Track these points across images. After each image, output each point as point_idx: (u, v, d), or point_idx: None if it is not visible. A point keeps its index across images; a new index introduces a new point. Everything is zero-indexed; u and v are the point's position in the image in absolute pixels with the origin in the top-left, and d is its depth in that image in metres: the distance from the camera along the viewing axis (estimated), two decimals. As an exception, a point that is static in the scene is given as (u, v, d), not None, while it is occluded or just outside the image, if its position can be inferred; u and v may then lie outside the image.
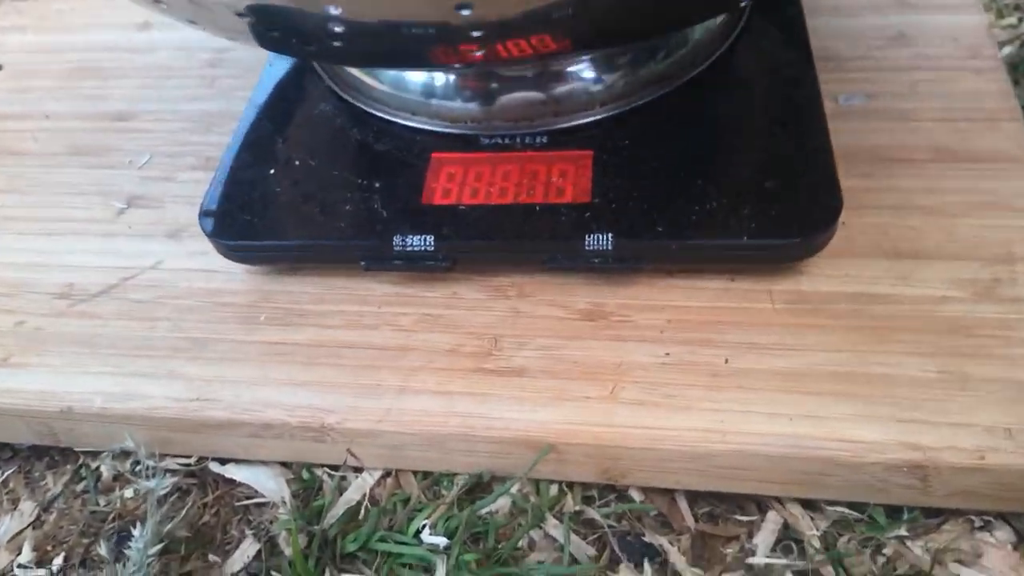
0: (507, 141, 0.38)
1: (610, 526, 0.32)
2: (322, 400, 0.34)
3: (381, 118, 0.39)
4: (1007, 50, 0.46)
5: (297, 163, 0.38)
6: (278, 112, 0.41)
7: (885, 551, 0.30)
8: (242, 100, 0.43)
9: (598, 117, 0.38)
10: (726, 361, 0.33)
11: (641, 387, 0.32)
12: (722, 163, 0.36)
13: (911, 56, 0.43)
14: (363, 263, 0.36)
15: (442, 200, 0.36)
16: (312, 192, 0.37)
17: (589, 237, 0.34)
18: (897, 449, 0.30)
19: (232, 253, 0.37)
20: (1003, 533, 0.30)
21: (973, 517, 0.31)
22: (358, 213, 0.36)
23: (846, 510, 0.31)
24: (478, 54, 0.29)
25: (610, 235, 0.34)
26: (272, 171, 0.38)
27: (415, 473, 0.34)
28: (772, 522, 0.31)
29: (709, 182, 0.35)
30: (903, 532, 0.31)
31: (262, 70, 0.44)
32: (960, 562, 0.30)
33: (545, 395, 0.33)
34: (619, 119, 0.38)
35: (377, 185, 0.37)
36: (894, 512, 0.31)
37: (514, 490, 0.33)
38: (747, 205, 0.34)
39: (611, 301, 0.35)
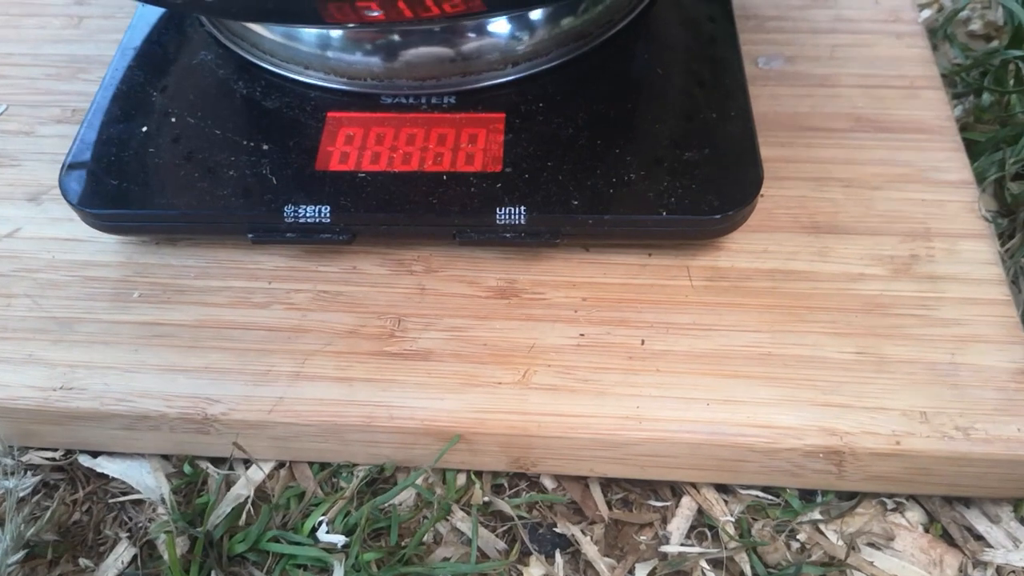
0: (411, 101, 0.35)
1: (520, 517, 0.30)
2: (205, 388, 0.30)
3: (270, 71, 0.36)
4: (926, 14, 0.45)
5: (174, 119, 0.34)
6: (153, 59, 0.36)
7: (799, 536, 0.30)
8: (113, 44, 0.38)
9: (511, 78, 0.35)
10: (642, 343, 0.31)
11: (555, 371, 0.30)
12: (640, 130, 0.33)
13: (831, 18, 0.42)
14: (251, 235, 0.32)
15: (339, 166, 0.33)
16: (192, 154, 0.33)
17: (500, 210, 0.31)
18: (814, 435, 0.29)
19: (99, 223, 0.33)
20: (915, 514, 0.30)
21: (886, 499, 0.30)
22: (244, 179, 0.33)
23: (760, 493, 0.31)
24: (376, 13, 0.25)
25: (522, 208, 0.31)
26: (145, 128, 0.34)
27: (311, 464, 0.31)
28: (686, 508, 0.30)
29: (626, 151, 0.33)
30: (817, 516, 0.30)
31: (134, 10, 0.39)
32: (872, 545, 0.29)
33: (453, 381, 0.30)
34: (532, 80, 0.35)
35: (266, 147, 0.33)
36: (808, 495, 0.31)
37: (419, 480, 0.31)
38: (665, 178, 0.32)
39: (524, 277, 0.33)
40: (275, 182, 0.32)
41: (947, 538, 0.30)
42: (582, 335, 0.31)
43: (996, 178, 0.36)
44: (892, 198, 0.35)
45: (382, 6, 0.25)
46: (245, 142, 0.33)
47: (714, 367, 0.30)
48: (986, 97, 0.39)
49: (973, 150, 0.37)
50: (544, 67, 0.35)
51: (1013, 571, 0.29)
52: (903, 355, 0.30)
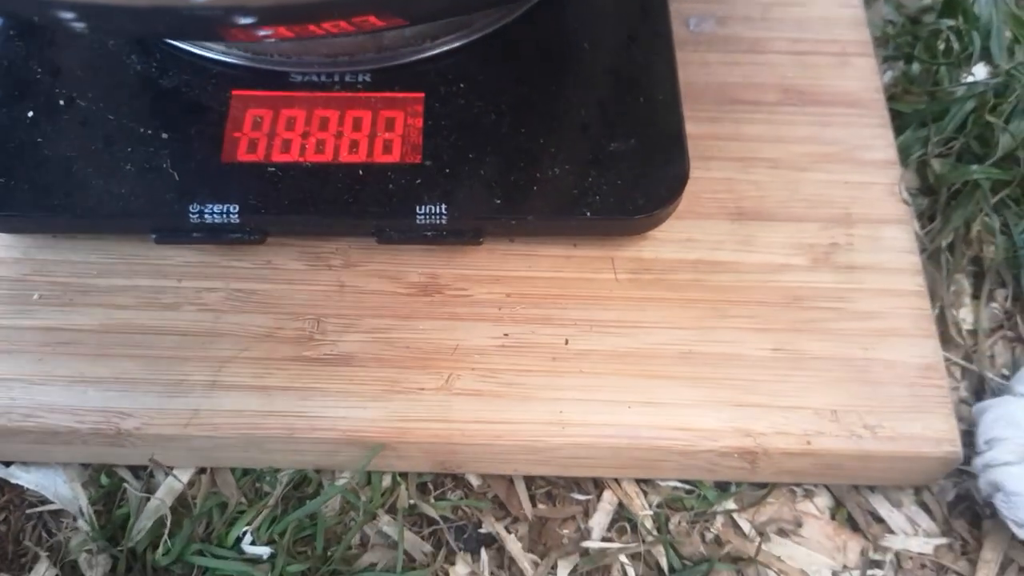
0: (324, 79, 0.32)
1: (445, 518, 0.31)
2: (117, 400, 0.29)
3: (168, 45, 0.33)
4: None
5: (62, 103, 0.31)
6: (35, 31, 0.33)
7: (714, 527, 0.31)
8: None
9: (430, 53, 0.33)
10: (566, 342, 0.31)
11: (478, 374, 0.30)
12: (565, 116, 0.32)
13: (766, -28, 0.40)
14: (154, 236, 0.30)
15: (247, 156, 0.31)
16: (85, 144, 0.31)
17: (421, 208, 0.30)
18: (730, 436, 0.30)
19: (-12, 222, 0.31)
20: (823, 500, 0.32)
21: (795, 488, 0.32)
22: (143, 175, 0.30)
23: (678, 483, 0.32)
24: (272, 32, 0.23)
25: (443, 207, 0.30)
26: (31, 113, 0.31)
27: (233, 470, 0.31)
28: (607, 502, 0.31)
29: (550, 141, 0.31)
30: (731, 505, 0.31)
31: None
32: (781, 533, 0.31)
33: (375, 387, 0.30)
34: (453, 55, 0.33)
35: (165, 136, 0.31)
36: (723, 484, 0.32)
37: (343, 482, 0.31)
38: (590, 173, 0.31)
39: (446, 271, 0.32)
40: (177, 178, 0.30)
41: (852, 523, 0.31)
42: (506, 335, 0.31)
43: (920, 155, 0.36)
44: (817, 180, 0.35)
45: (294, 30, 0.23)
46: (143, 130, 0.31)
47: (637, 367, 0.31)
48: (915, 66, 0.38)
49: (899, 122, 0.37)
50: (464, 41, 0.33)
51: (911, 557, 0.31)
52: (819, 351, 0.31)
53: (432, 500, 0.31)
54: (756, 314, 0.32)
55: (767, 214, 0.34)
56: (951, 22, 0.37)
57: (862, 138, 0.36)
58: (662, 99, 0.32)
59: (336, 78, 0.32)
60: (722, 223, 0.33)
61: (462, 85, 0.32)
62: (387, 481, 0.31)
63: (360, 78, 0.32)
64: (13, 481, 0.31)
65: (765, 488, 0.32)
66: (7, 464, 0.31)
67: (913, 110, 0.37)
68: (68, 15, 0.20)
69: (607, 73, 0.33)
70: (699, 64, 0.37)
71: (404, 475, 0.31)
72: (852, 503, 0.32)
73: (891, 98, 0.38)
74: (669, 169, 0.31)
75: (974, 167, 0.35)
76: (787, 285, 0.32)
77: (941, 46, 0.38)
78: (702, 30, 0.38)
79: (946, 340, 0.34)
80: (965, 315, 0.35)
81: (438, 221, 0.30)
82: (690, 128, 0.33)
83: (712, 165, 0.35)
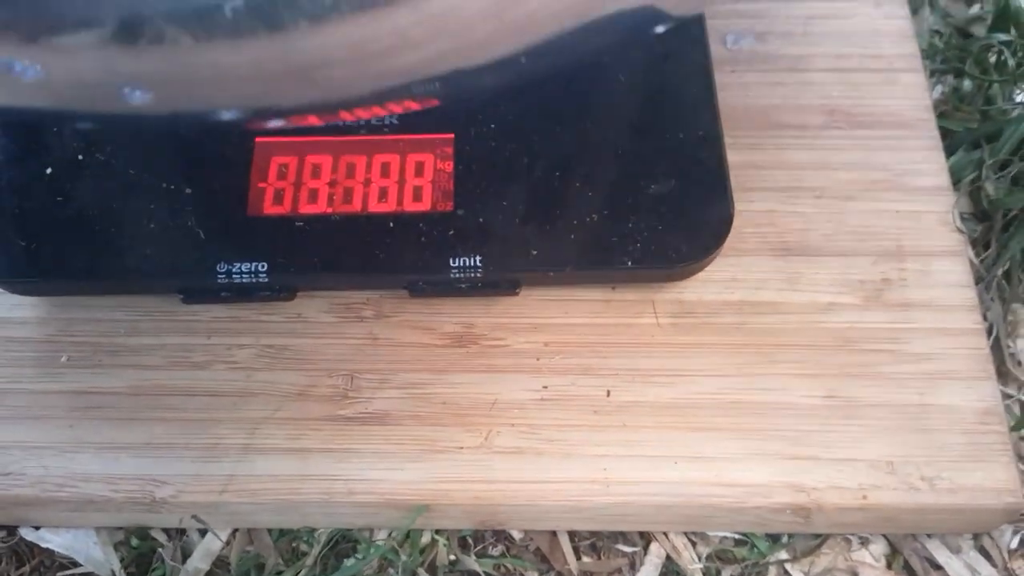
0: (349, 122, 0.31)
1: (487, 574, 0.30)
2: (150, 467, 0.29)
3: (186, 93, 0.31)
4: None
5: (81, 158, 0.31)
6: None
7: (765, 579, 0.30)
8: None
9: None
10: (608, 394, 0.30)
11: (518, 431, 0.29)
12: (601, 157, 0.31)
13: (805, -18, 0.38)
14: (182, 297, 0.30)
15: (273, 209, 0.30)
16: (103, 204, 0.30)
17: (454, 261, 0.29)
18: (782, 492, 0.28)
19: (7, 287, 0.30)
20: (878, 547, 0.31)
21: (850, 536, 0.31)
22: (167, 233, 0.29)
23: (728, 533, 0.31)
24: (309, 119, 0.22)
25: (478, 258, 0.29)
26: (49, 170, 0.30)
27: (270, 530, 0.30)
28: (655, 555, 0.30)
29: (587, 185, 0.30)
30: (784, 556, 0.30)
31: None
32: (835, 584, 0.30)
33: (412, 447, 0.29)
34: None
35: (188, 191, 0.30)
36: (775, 535, 0.31)
37: (381, 539, 0.30)
38: (630, 219, 0.29)
39: (482, 320, 0.31)
40: (203, 235, 0.29)
41: (909, 571, 0.30)
42: (545, 387, 0.30)
43: (972, 178, 0.35)
44: (865, 210, 0.33)
45: (323, 118, 0.22)
46: (165, 184, 0.30)
47: (681, 419, 0.29)
48: (966, 82, 0.36)
49: (949, 141, 0.35)
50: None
51: (969, 606, 0.30)
52: (872, 397, 0.30)
53: (473, 556, 0.30)
54: (804, 359, 0.30)
55: (813, 249, 0.32)
56: (1004, 36, 0.35)
57: (912, 162, 0.34)
58: (703, 135, 0.31)
59: (362, 121, 0.31)
60: (766, 259, 0.32)
61: (493, 125, 0.31)
62: (426, 537, 0.31)
63: (387, 120, 0.31)
64: (43, 545, 0.30)
65: (819, 538, 0.30)
66: (36, 527, 0.31)
67: (964, 129, 0.35)
68: (87, 124, 0.19)
69: (643, 108, 0.32)
70: (738, 86, 0.35)
71: (443, 531, 0.31)
72: (909, 550, 0.31)
73: (941, 116, 0.36)
74: (712, 212, 0.30)
75: (1032, 191, 0.33)
76: (836, 327, 0.31)
77: (993, 60, 0.36)
78: (740, 47, 0.37)
79: (1003, 374, 0.33)
80: (1023, 346, 0.33)
81: (473, 274, 0.29)
82: (730, 156, 0.31)
83: (754, 196, 0.33)
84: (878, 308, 0.31)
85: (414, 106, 0.21)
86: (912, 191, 0.33)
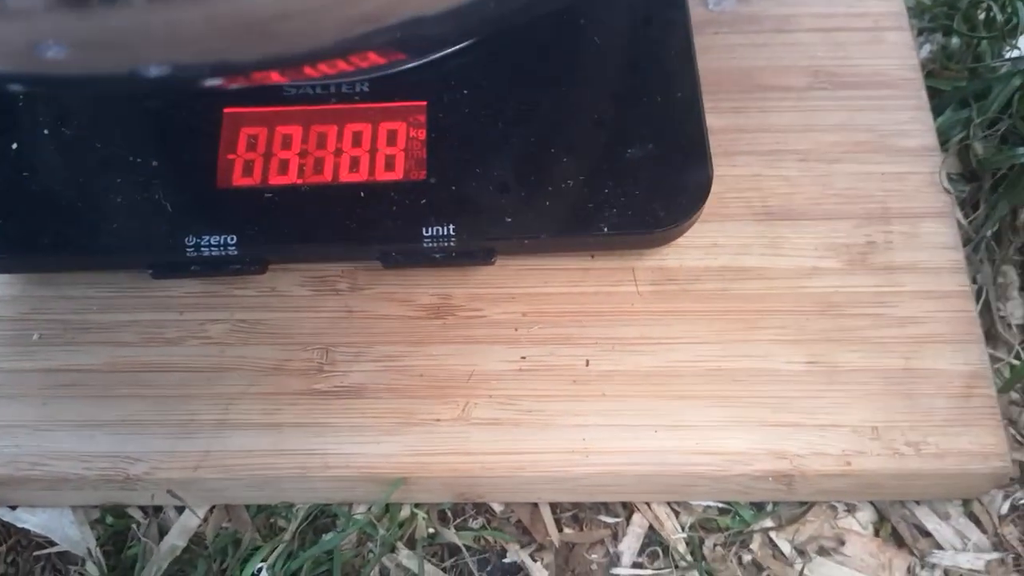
0: (319, 91, 0.31)
1: (468, 548, 0.30)
2: (124, 444, 0.28)
3: (152, 64, 0.31)
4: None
5: (46, 131, 0.30)
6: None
7: (752, 547, 0.30)
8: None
9: (431, 58, 0.31)
10: (587, 363, 0.29)
11: (496, 401, 0.29)
12: (577, 121, 0.30)
13: (790, -60, 0.37)
14: (151, 271, 0.29)
15: (243, 180, 0.29)
16: (72, 176, 0.29)
17: (427, 230, 0.29)
18: (764, 459, 0.28)
19: (-23, 265, 0.29)
20: (865, 514, 0.30)
21: (836, 503, 0.30)
22: (135, 207, 0.29)
23: (711, 503, 0.30)
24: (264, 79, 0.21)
25: (451, 227, 0.29)
26: (15, 145, 0.30)
27: (247, 506, 0.30)
28: (637, 525, 0.30)
29: (562, 149, 0.29)
30: (768, 524, 0.30)
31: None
32: (822, 552, 0.30)
33: (389, 420, 0.29)
34: (455, 58, 0.31)
35: (155, 163, 0.29)
36: (759, 503, 0.30)
37: (360, 513, 0.30)
38: (607, 184, 0.29)
39: (459, 291, 0.31)
40: (170, 208, 0.29)
41: (896, 538, 0.30)
42: (523, 358, 0.29)
43: (961, 138, 0.34)
44: (849, 172, 0.32)
45: (286, 74, 0.21)
46: (132, 157, 0.30)
47: (662, 387, 0.29)
48: (954, 40, 0.35)
49: (937, 101, 0.34)
50: (468, 42, 0.31)
51: (961, 572, 0.29)
52: (856, 363, 0.29)
53: (453, 529, 0.30)
54: (787, 324, 0.30)
55: (797, 212, 0.32)
56: (993, -10, 0.34)
57: (898, 122, 0.33)
58: (681, 96, 0.30)
59: (332, 89, 0.31)
60: (749, 224, 0.31)
61: (466, 91, 0.30)
62: (405, 511, 0.30)
63: (358, 88, 0.31)
64: (20, 525, 0.30)
65: (804, 505, 0.30)
66: (12, 507, 0.30)
67: (953, 88, 0.35)
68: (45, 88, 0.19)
69: (620, 71, 0.31)
70: (721, 48, 0.35)
71: (422, 505, 0.30)
72: (897, 517, 0.30)
73: (928, 75, 0.35)
74: (691, 176, 0.29)
75: (1021, 149, 0.33)
76: (819, 290, 0.30)
77: (982, 16, 0.35)
78: (723, 8, 0.36)
79: (992, 337, 0.32)
80: (1013, 309, 0.33)
81: (446, 243, 0.29)
82: (712, 120, 0.31)
83: (737, 160, 0.32)
84: (863, 272, 0.31)
85: (380, 61, 0.20)
86: (898, 152, 0.33)
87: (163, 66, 0.18)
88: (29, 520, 0.30)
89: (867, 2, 0.36)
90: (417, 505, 0.30)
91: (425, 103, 0.30)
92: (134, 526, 0.30)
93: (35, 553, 0.30)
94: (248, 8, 0.16)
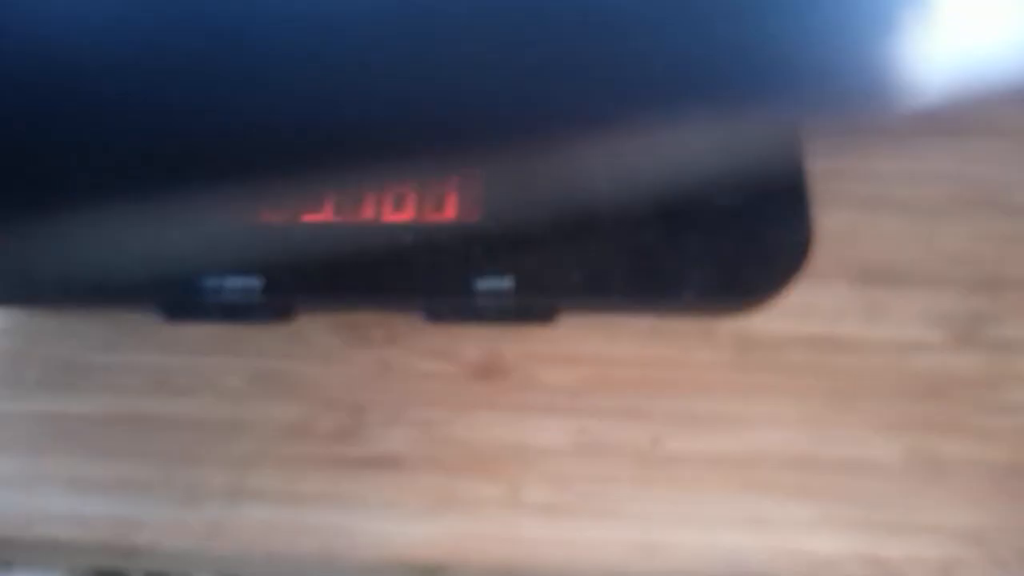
0: (361, 112, 0.27)
1: (510, 641, 0.26)
2: (126, 508, 0.25)
3: (172, 72, 0.27)
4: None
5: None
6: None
7: (824, 655, 0.26)
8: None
9: (490, 80, 0.27)
10: (654, 442, 0.26)
11: (551, 483, 0.25)
12: (656, 160, 0.26)
13: (895, -46, 0.33)
14: (164, 314, 0.26)
15: (271, 216, 0.26)
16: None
17: (481, 283, 0.25)
18: (854, 565, 0.25)
19: (-34, 298, 0.26)
20: (951, 621, 0.27)
21: (923, 610, 0.27)
22: (145, 240, 0.25)
23: (782, 599, 0.27)
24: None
25: (509, 281, 0.25)
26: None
27: (264, 579, 0.27)
28: (699, 623, 0.27)
29: (641, 195, 0.26)
30: (845, 629, 0.27)
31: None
32: (904, 664, 0.26)
33: (427, 498, 0.25)
34: (518, 80, 0.27)
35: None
36: (836, 603, 0.27)
37: (391, 595, 0.27)
38: (691, 241, 0.25)
39: (511, 348, 0.27)
40: (185, 243, 0.25)
41: (987, 651, 0.26)
42: (581, 431, 0.26)
43: (1083, 195, 0.30)
44: (956, 231, 0.28)
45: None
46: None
47: (741, 476, 0.25)
48: (1081, 79, 0.31)
49: (1057, 148, 0.30)
50: (534, 63, 0.27)
51: None
52: (959, 454, 0.26)
53: (494, 622, 0.26)
54: (885, 407, 0.26)
55: (897, 274, 0.28)
56: None
57: (1013, 175, 0.29)
58: (778, 137, 0.26)
59: (377, 110, 0.27)
60: (844, 286, 0.28)
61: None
62: (440, 595, 0.27)
63: (406, 110, 0.27)
64: (13, 587, 0.27)
65: (885, 610, 0.27)
66: (8, 564, 0.27)
67: (1076, 135, 0.30)
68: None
69: (710, 95, 0.27)
70: (814, 77, 0.31)
71: (461, 587, 0.27)
72: (987, 626, 0.27)
73: (1047, 118, 0.31)
74: (788, 233, 0.25)
75: None
76: (921, 369, 0.27)
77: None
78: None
79: (1106, 424, 0.28)
80: None
81: (502, 300, 0.25)
82: (807, 164, 0.27)
83: (834, 211, 0.28)
84: (969, 349, 0.27)
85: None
86: (1013, 211, 0.29)
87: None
88: (20, 582, 0.27)
89: (981, 30, 0.31)
90: (453, 587, 0.27)
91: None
92: (135, 596, 0.26)
93: (24, 618, 0.27)
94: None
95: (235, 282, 0.25)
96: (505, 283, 0.25)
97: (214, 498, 0.25)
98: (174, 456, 0.26)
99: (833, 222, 0.28)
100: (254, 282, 0.25)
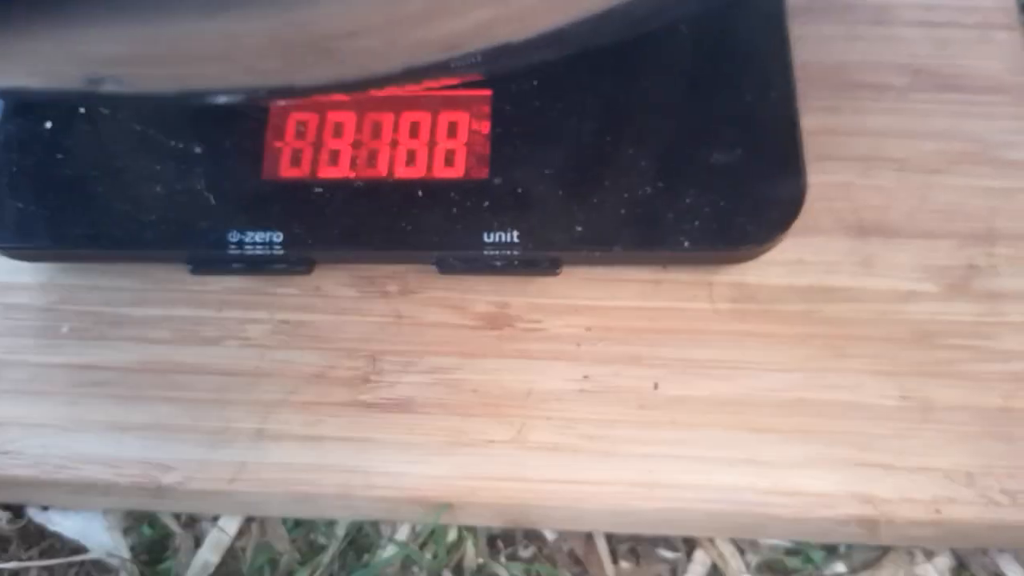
0: (375, 76, 0.28)
1: (519, 580, 0.28)
2: (156, 451, 0.27)
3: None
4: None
5: (83, 111, 0.28)
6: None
7: (821, 592, 0.27)
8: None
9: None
10: (656, 386, 0.27)
11: (555, 424, 0.27)
12: (658, 118, 0.27)
13: (893, -79, 0.34)
14: (190, 267, 0.27)
15: (291, 171, 0.27)
16: (107, 164, 0.27)
17: (488, 236, 0.26)
18: (848, 503, 0.26)
19: (5, 253, 0.27)
20: (944, 560, 0.28)
21: (915, 549, 0.28)
22: (175, 198, 0.27)
23: (779, 541, 0.28)
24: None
25: (515, 234, 0.26)
26: (49, 125, 0.28)
27: (284, 520, 0.28)
28: (699, 563, 0.28)
29: (641, 150, 0.27)
30: (840, 568, 0.28)
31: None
32: (898, 601, 0.27)
33: (438, 438, 0.27)
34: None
35: (198, 150, 0.27)
36: (830, 545, 0.28)
37: (403, 535, 0.28)
38: (689, 193, 0.26)
39: (518, 300, 0.28)
40: (212, 200, 0.27)
41: (978, 588, 0.28)
42: (586, 377, 0.27)
43: (1076, 151, 0.30)
44: (951, 185, 0.29)
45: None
46: (171, 143, 0.27)
47: (738, 418, 0.27)
48: (1075, 40, 0.32)
49: (1051, 108, 0.31)
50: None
51: (1047, 634, 0.27)
52: (952, 399, 0.27)
53: (503, 560, 0.28)
54: (879, 353, 0.27)
55: (892, 228, 0.29)
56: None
57: (1006, 132, 0.30)
58: (774, 96, 0.27)
59: (389, 74, 0.28)
60: (840, 240, 0.29)
61: (536, 82, 0.28)
62: (452, 534, 0.28)
63: (417, 73, 0.28)
64: (51, 528, 0.29)
65: (880, 549, 0.28)
66: (45, 508, 0.29)
67: (1069, 94, 0.31)
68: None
69: (707, 62, 0.28)
70: (814, 40, 0.31)
71: (471, 528, 0.28)
72: (977, 565, 0.28)
73: (1041, 78, 0.32)
74: (783, 186, 0.26)
75: None
76: (915, 318, 0.28)
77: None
78: (815, -4, 0.33)
79: (1098, 373, 0.29)
80: (1122, 343, 0.30)
81: (508, 252, 0.26)
82: (805, 122, 0.28)
83: (829, 167, 0.29)
84: (962, 298, 0.28)
85: (452, 81, 0.18)
86: (1006, 165, 0.30)
87: (222, 93, 0.15)
88: (61, 524, 0.29)
89: (977, -6, 0.32)
90: (464, 530, 0.28)
91: (490, 92, 0.28)
92: (171, 536, 0.28)
93: (68, 559, 0.28)
94: (315, 25, 0.14)
95: (257, 236, 0.26)
96: (512, 237, 0.26)
97: (238, 440, 0.27)
98: (201, 402, 0.27)
99: (827, 179, 0.29)
100: (275, 236, 0.26)
